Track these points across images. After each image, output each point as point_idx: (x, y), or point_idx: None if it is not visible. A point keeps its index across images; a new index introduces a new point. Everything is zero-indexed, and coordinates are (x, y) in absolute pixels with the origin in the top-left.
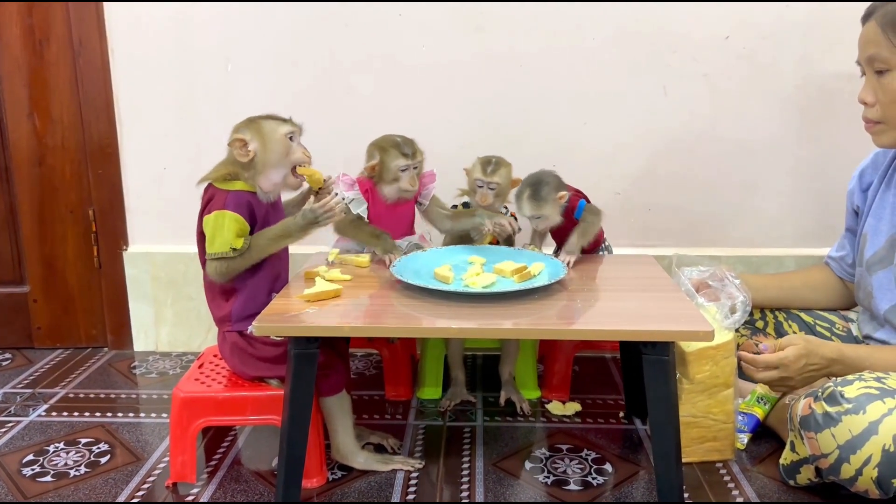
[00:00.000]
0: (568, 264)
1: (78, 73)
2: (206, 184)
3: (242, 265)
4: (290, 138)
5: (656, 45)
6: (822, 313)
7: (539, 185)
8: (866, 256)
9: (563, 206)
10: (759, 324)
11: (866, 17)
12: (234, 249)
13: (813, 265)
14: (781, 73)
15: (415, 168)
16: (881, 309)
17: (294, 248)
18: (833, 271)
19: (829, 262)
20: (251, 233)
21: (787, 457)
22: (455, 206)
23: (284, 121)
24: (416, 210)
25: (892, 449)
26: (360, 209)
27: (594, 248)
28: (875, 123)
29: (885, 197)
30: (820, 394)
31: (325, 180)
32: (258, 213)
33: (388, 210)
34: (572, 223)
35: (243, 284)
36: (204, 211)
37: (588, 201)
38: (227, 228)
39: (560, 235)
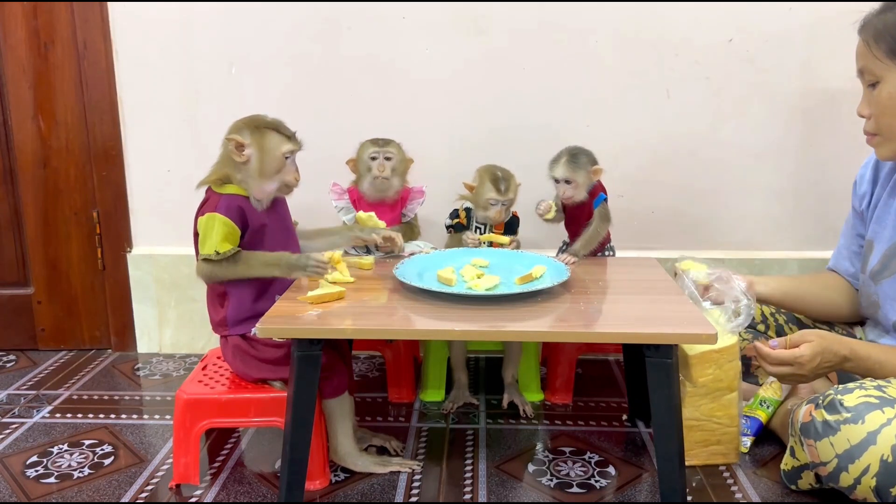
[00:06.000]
0: (569, 265)
1: (82, 76)
2: (206, 187)
3: (226, 275)
4: (287, 157)
5: (659, 48)
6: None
7: (578, 153)
8: (870, 265)
9: (594, 182)
10: (761, 327)
11: (859, 30)
12: (218, 253)
13: (827, 273)
14: (784, 77)
15: (387, 158)
16: (890, 319)
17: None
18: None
19: (850, 280)
20: (242, 236)
21: (787, 462)
22: (456, 211)
23: (288, 137)
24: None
25: (890, 459)
26: (348, 217)
27: (599, 250)
28: (872, 136)
29: (889, 203)
30: (821, 401)
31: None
32: (251, 218)
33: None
34: (589, 209)
35: (233, 289)
36: (199, 212)
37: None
38: (216, 231)
39: (573, 224)
